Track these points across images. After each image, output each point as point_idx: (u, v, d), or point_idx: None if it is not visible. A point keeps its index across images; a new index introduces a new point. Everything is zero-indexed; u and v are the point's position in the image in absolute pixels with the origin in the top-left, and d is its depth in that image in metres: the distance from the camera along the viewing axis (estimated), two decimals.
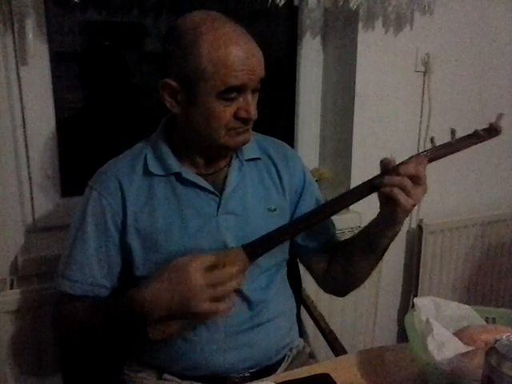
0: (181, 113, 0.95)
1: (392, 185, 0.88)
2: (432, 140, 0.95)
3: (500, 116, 0.93)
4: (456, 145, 0.93)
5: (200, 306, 0.82)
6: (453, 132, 0.93)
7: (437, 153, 0.94)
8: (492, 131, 0.94)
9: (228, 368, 0.99)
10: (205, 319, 0.90)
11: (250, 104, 0.91)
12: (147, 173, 0.99)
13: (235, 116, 0.91)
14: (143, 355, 1.03)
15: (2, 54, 1.21)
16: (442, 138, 0.95)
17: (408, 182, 0.87)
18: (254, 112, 0.92)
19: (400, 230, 0.97)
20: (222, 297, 0.84)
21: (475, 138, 0.94)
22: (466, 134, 0.95)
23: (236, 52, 0.87)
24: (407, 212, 0.91)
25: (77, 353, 1.08)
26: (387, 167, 0.90)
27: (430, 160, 0.93)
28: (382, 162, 0.91)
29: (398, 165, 0.89)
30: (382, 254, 1.02)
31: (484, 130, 0.94)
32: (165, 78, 0.92)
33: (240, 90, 0.89)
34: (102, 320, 0.92)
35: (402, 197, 0.87)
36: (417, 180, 0.88)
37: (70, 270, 0.98)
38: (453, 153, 0.94)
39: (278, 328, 1.05)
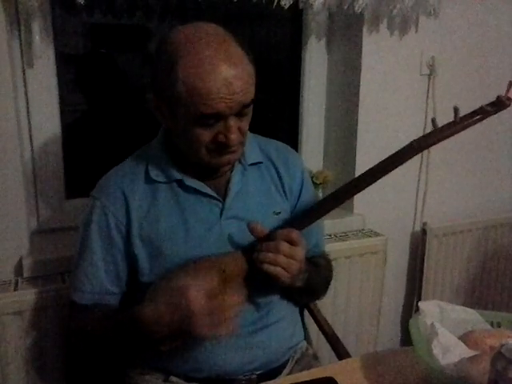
0: (169, 125, 0.95)
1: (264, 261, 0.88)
2: (433, 121, 0.89)
3: (510, 85, 0.83)
4: (460, 123, 0.86)
5: (200, 331, 0.81)
6: (456, 110, 0.86)
7: (441, 134, 0.87)
8: (500, 104, 0.85)
9: (235, 370, 0.99)
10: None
11: (229, 130, 0.87)
12: (149, 180, 0.99)
13: (215, 139, 0.89)
14: (149, 358, 1.03)
15: (9, 56, 1.21)
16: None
17: (283, 256, 0.87)
18: (234, 137, 0.88)
19: (302, 283, 0.97)
20: (222, 321, 0.82)
21: (481, 113, 0.86)
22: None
23: (213, 79, 0.83)
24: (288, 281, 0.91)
25: (82, 358, 1.08)
26: (258, 236, 0.91)
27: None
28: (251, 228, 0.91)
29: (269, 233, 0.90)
30: (314, 291, 1.10)
31: (490, 103, 0.86)
32: (150, 93, 0.91)
33: (217, 117, 0.86)
34: (110, 334, 0.92)
35: (277, 271, 0.88)
36: (293, 243, 0.88)
37: (78, 280, 0.99)
38: (457, 132, 0.87)
39: (284, 329, 1.06)
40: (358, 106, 1.65)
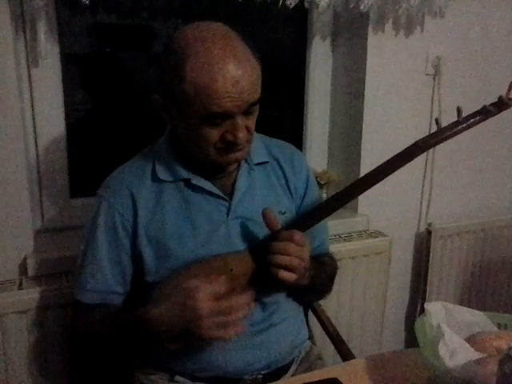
0: (177, 125, 0.95)
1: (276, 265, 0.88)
2: (437, 121, 0.90)
3: (511, 86, 0.85)
4: (463, 123, 0.87)
5: (205, 333, 0.81)
6: (459, 110, 0.87)
7: (444, 134, 0.88)
8: (502, 105, 0.87)
9: (241, 369, 0.99)
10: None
11: (237, 128, 0.87)
12: (156, 179, 0.99)
13: (223, 138, 0.89)
14: (154, 357, 1.03)
15: (14, 56, 1.21)
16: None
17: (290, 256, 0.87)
18: (241, 135, 0.88)
19: (307, 281, 0.96)
20: (228, 323, 0.82)
21: (483, 113, 0.87)
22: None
23: (221, 79, 0.83)
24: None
25: (85, 357, 1.08)
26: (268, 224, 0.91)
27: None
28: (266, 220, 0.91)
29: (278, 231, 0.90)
30: (318, 289, 1.09)
31: (493, 104, 0.87)
32: (157, 93, 0.92)
33: (225, 116, 0.86)
34: (115, 333, 0.92)
35: (285, 275, 0.88)
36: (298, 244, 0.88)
37: (82, 279, 0.99)
38: (461, 132, 0.88)
39: (289, 329, 1.06)
40: (362, 105, 1.64)
